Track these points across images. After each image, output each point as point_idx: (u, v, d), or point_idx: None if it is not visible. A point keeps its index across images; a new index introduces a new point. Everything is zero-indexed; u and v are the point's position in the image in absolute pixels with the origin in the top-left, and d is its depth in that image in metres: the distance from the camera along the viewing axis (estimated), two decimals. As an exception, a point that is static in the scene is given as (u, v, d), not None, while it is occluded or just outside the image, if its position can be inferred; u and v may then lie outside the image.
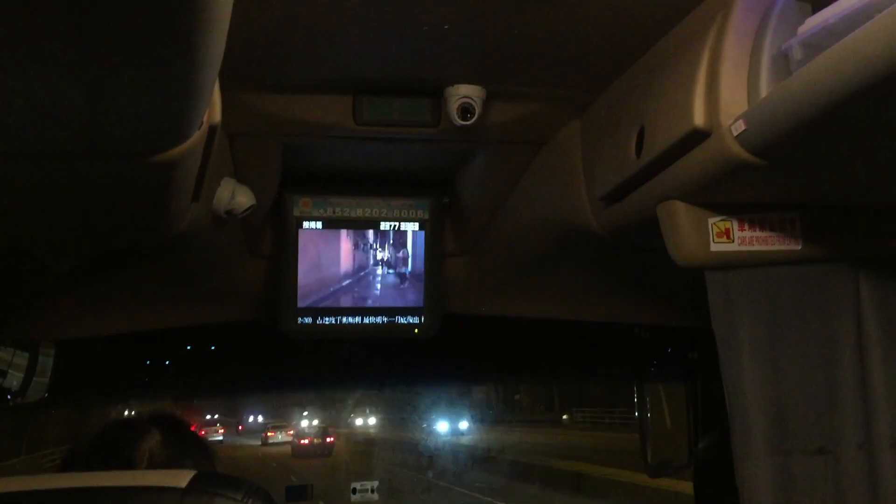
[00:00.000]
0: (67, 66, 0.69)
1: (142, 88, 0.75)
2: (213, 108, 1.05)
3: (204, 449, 1.29)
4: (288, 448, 28.51)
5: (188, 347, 2.59)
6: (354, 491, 5.33)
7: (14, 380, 2.10)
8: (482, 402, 28.01)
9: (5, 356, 2.06)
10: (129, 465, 1.14)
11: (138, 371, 2.64)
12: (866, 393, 1.29)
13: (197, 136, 0.97)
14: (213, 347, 2.61)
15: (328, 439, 28.16)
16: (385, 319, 2.06)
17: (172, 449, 1.21)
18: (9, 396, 2.09)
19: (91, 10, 0.60)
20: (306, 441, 27.95)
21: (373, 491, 5.24)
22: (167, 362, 2.69)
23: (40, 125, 0.84)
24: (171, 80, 0.74)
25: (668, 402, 2.64)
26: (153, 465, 1.16)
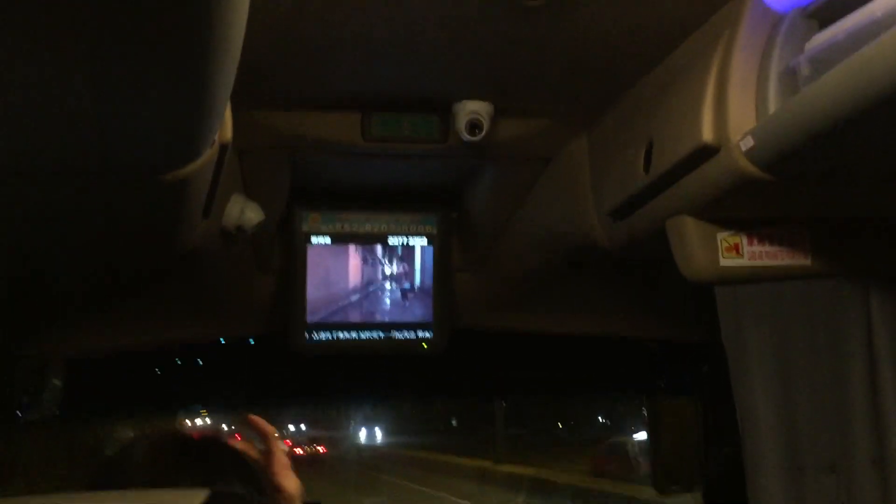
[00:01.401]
0: (82, 87, 0.70)
1: (155, 107, 0.75)
2: (225, 126, 1.05)
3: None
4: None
5: (198, 362, 2.59)
6: None
7: (25, 397, 2.10)
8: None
9: (16, 374, 2.06)
10: None
11: (148, 387, 2.64)
12: (878, 409, 1.28)
13: (208, 154, 0.97)
14: (220, 362, 2.61)
15: (320, 449, 28.58)
16: (394, 335, 2.06)
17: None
18: (19, 413, 2.09)
19: (105, 29, 0.60)
20: (300, 450, 28.30)
21: None
22: (182, 377, 2.69)
23: (52, 144, 0.85)
24: (185, 99, 0.75)
25: (678, 419, 2.62)
26: None
